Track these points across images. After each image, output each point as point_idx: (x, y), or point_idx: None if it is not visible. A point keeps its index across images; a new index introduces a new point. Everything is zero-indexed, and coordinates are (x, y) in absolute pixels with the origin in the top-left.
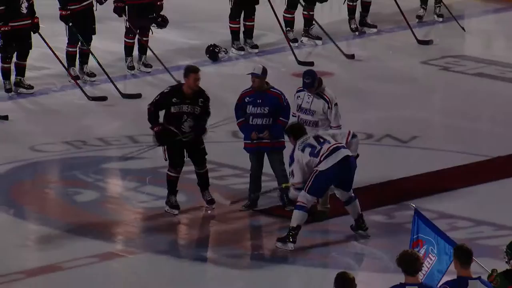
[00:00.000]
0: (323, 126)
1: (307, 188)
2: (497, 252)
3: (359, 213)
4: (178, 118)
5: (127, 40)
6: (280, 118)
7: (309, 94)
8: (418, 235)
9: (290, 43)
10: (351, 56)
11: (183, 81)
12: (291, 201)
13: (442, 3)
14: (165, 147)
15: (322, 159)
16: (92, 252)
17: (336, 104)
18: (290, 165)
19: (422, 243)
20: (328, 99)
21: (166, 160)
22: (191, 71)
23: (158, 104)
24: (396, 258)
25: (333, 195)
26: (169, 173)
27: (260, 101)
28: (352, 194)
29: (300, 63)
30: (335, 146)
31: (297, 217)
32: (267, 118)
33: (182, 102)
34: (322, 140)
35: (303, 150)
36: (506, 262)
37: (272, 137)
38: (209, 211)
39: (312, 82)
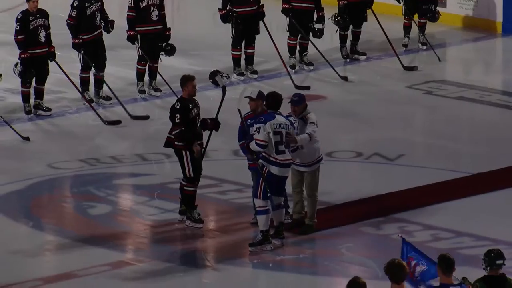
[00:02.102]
0: (308, 148)
1: (259, 194)
2: (477, 261)
3: (282, 221)
4: (194, 123)
5: (139, 66)
6: None
7: (295, 118)
8: (407, 255)
9: (288, 68)
10: (345, 78)
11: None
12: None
13: (424, 33)
14: (189, 162)
15: (277, 163)
16: (105, 260)
17: (313, 123)
18: (257, 123)
19: (412, 259)
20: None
21: (190, 175)
22: (190, 79)
23: (185, 120)
24: (384, 266)
25: (320, 210)
26: (188, 188)
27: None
28: (282, 202)
29: (297, 87)
30: (288, 162)
31: (262, 221)
32: None
33: (194, 106)
34: (284, 144)
35: (274, 132)
36: (484, 269)
37: None
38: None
39: (299, 100)
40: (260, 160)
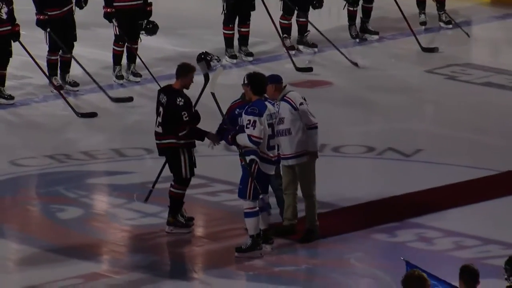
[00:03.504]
0: (297, 135)
1: (249, 194)
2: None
3: (270, 223)
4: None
5: (116, 48)
6: None
7: (278, 101)
8: None
9: (288, 50)
10: (355, 64)
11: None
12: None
13: (444, 10)
14: (187, 162)
15: (268, 160)
16: (77, 272)
17: (302, 104)
18: (251, 114)
19: None
20: (290, 101)
21: (186, 176)
22: (192, 70)
23: (192, 115)
24: (402, 279)
25: (324, 214)
26: (178, 191)
27: None
28: (268, 201)
29: (299, 69)
30: (277, 158)
31: (252, 225)
32: None
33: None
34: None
35: (267, 124)
36: (506, 279)
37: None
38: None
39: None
40: (252, 156)
